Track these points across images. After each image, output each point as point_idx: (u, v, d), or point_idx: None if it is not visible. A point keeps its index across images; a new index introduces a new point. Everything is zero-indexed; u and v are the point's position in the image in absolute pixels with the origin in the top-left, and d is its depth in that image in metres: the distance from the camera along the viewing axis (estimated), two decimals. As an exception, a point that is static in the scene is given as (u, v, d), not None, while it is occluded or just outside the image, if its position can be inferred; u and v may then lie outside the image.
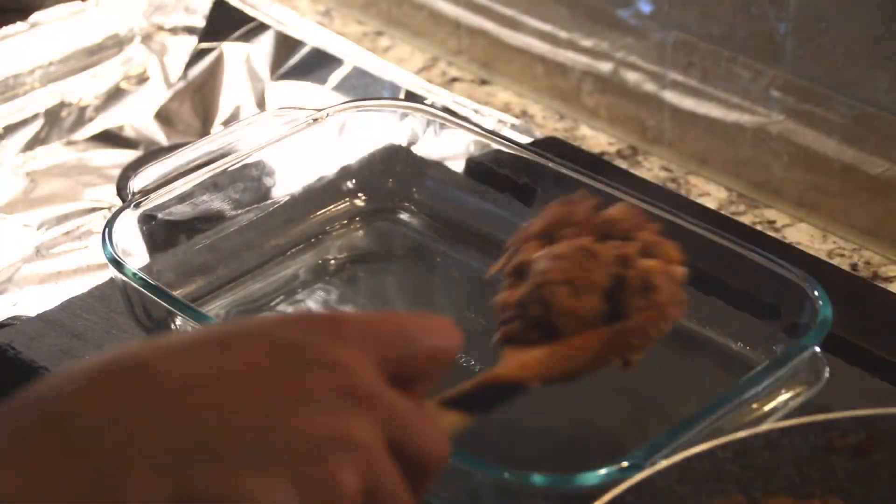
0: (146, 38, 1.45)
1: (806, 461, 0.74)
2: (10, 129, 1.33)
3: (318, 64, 1.41)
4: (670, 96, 1.25)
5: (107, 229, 0.97)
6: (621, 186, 1.02)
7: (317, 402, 0.58)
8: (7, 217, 1.22)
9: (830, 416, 0.75)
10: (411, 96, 1.34)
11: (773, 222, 1.19)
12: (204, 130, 1.37)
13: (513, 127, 1.30)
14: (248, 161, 1.07)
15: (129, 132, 1.36)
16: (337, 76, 1.39)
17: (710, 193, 1.22)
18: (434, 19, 1.44)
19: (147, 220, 1.01)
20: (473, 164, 1.13)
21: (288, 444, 0.57)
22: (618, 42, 1.27)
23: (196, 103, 1.40)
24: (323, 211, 1.12)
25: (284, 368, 0.58)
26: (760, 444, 0.74)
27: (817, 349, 0.87)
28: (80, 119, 1.36)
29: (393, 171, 1.13)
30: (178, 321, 0.94)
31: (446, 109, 1.28)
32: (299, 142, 1.09)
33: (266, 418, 0.57)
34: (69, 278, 1.16)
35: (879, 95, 1.10)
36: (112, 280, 1.00)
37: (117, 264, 0.94)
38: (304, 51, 1.42)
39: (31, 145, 1.33)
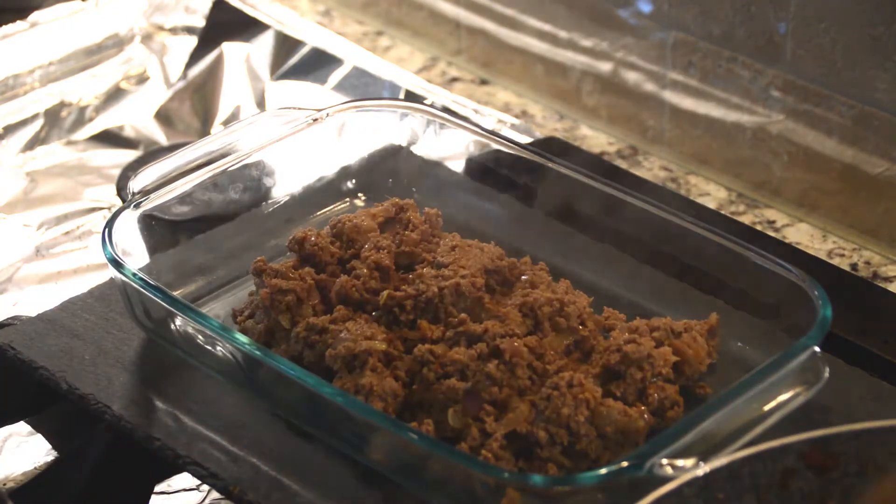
0: (146, 38, 1.45)
1: (764, 488, 0.74)
2: (10, 129, 1.33)
3: (318, 64, 1.41)
4: (670, 96, 1.25)
5: (107, 229, 0.97)
6: (621, 186, 1.02)
7: None
8: (7, 217, 1.22)
9: (786, 440, 0.75)
10: (411, 96, 1.34)
11: (773, 222, 1.19)
12: (204, 130, 1.37)
13: (513, 127, 1.30)
14: (248, 161, 1.07)
15: (129, 132, 1.36)
16: (337, 76, 1.39)
17: (710, 193, 1.22)
18: (434, 19, 1.44)
19: (147, 220, 1.01)
20: (473, 164, 1.13)
21: None
22: (618, 42, 1.27)
23: (196, 103, 1.40)
24: (323, 211, 1.12)
25: None
26: (723, 476, 0.74)
27: (817, 349, 0.87)
28: (80, 119, 1.37)
29: (393, 171, 1.13)
30: (178, 321, 0.94)
31: (446, 109, 1.28)
32: (299, 142, 1.09)
33: None
34: (69, 278, 1.16)
35: (879, 95, 1.10)
36: (112, 280, 1.00)
37: (117, 264, 0.94)
38: (304, 51, 1.42)
39: (31, 145, 1.33)
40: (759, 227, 1.17)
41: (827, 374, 0.86)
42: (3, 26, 1.39)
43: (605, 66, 1.29)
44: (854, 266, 1.13)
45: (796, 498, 0.75)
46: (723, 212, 1.19)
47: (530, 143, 1.22)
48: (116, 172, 1.30)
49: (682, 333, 0.92)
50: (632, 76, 1.27)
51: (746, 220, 1.18)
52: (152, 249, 1.01)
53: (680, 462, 0.78)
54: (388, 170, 1.13)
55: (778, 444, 0.74)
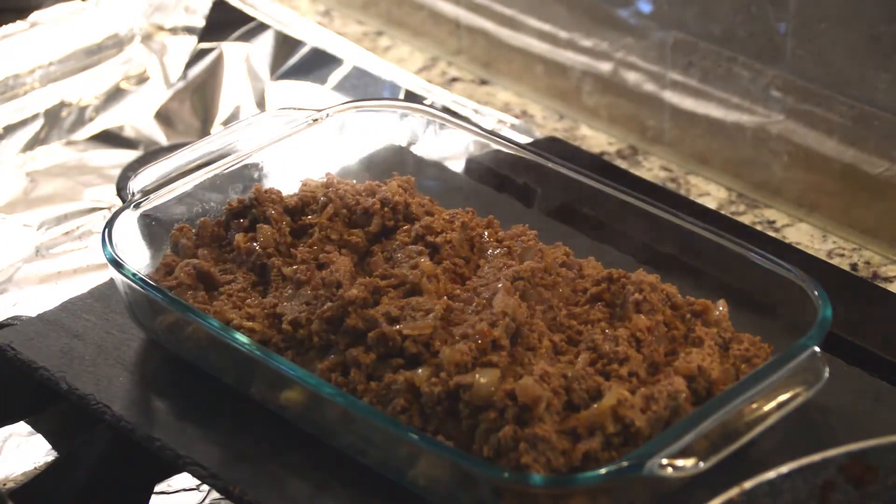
0: (146, 38, 1.45)
1: (805, 503, 0.74)
2: (10, 129, 1.33)
3: (318, 64, 1.41)
4: (670, 96, 1.25)
5: (107, 229, 0.97)
6: (621, 186, 1.02)
7: None
8: (7, 217, 1.23)
9: (826, 454, 0.74)
10: (411, 96, 1.34)
11: (773, 222, 1.19)
12: (204, 130, 1.37)
13: (513, 127, 1.30)
14: (248, 161, 1.07)
15: (129, 132, 1.36)
16: (337, 76, 1.39)
17: (710, 193, 1.22)
18: (434, 19, 1.44)
19: (147, 220, 1.01)
20: (473, 164, 1.13)
21: None
22: (618, 42, 1.27)
23: (196, 103, 1.40)
24: (323, 211, 1.12)
25: None
26: (765, 492, 0.73)
27: (817, 349, 0.87)
28: (80, 119, 1.37)
29: (393, 171, 1.13)
30: (178, 321, 0.94)
31: (446, 109, 1.28)
32: (299, 142, 1.09)
33: None
34: (69, 278, 1.16)
35: (879, 95, 1.10)
36: (112, 280, 1.00)
37: (117, 264, 0.94)
38: (304, 51, 1.42)
39: (31, 145, 1.33)
40: (759, 227, 1.17)
41: (827, 374, 0.86)
42: (3, 26, 1.40)
43: (605, 66, 1.29)
44: (854, 266, 1.13)
45: None
46: (723, 212, 1.19)
47: (530, 143, 1.23)
48: (116, 172, 1.30)
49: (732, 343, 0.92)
50: (632, 76, 1.27)
51: (746, 220, 1.18)
52: (152, 249, 1.01)
53: (680, 462, 0.78)
54: (388, 170, 1.13)
55: (819, 458, 0.74)
